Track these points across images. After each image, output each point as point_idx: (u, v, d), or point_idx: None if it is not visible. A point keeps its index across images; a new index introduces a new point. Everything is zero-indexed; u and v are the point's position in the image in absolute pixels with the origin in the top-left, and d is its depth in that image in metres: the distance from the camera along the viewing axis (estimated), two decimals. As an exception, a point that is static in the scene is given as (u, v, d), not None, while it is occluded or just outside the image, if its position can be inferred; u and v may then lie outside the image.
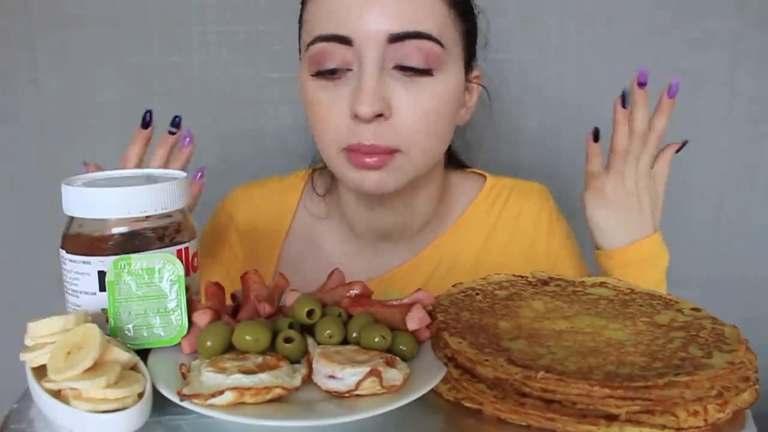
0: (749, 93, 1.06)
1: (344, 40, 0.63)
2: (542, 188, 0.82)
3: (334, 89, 0.65)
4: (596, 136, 0.70)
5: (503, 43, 1.03)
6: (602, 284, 0.56)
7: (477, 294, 0.54)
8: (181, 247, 0.50)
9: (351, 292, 0.52)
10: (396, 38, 0.62)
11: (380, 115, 0.63)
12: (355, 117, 0.63)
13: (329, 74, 0.65)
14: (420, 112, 0.64)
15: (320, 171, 0.83)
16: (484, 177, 0.82)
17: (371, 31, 0.62)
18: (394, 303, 0.50)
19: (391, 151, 0.64)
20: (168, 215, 0.50)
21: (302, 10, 0.69)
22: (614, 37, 1.04)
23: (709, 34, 1.03)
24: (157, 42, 1.02)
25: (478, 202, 0.79)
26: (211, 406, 0.39)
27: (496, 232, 0.78)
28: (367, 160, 0.64)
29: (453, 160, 0.82)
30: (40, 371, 0.41)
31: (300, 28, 0.70)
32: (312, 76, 0.66)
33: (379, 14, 0.62)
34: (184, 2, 1.01)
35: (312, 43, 0.65)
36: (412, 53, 0.63)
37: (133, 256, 0.46)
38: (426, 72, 0.64)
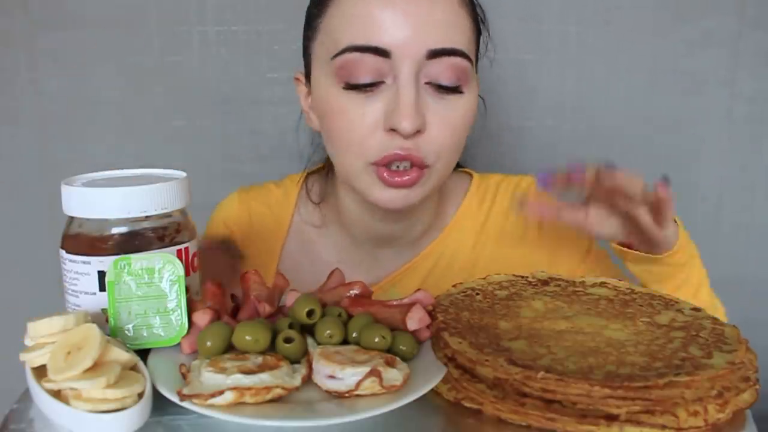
0: (749, 93, 1.06)
1: (382, 52, 0.61)
2: (530, 179, 0.80)
3: (365, 101, 0.63)
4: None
5: (502, 44, 1.03)
6: (602, 284, 0.56)
7: (477, 294, 0.53)
8: (181, 247, 0.50)
9: (351, 292, 0.52)
10: (434, 54, 0.61)
11: (418, 132, 0.62)
12: (392, 131, 0.62)
13: (361, 85, 0.63)
14: (450, 128, 0.64)
15: (314, 176, 0.81)
16: (470, 175, 0.81)
17: (411, 45, 0.61)
18: (394, 303, 0.50)
19: (424, 166, 0.64)
20: (168, 215, 0.50)
21: (317, 15, 0.67)
22: (614, 37, 1.04)
23: (709, 34, 1.03)
24: (157, 42, 1.02)
25: (468, 201, 0.79)
26: (211, 406, 0.39)
27: (487, 228, 0.78)
28: (399, 179, 0.63)
29: None
30: (40, 371, 0.41)
31: (312, 34, 0.68)
32: (341, 84, 0.63)
33: (418, 28, 0.61)
34: (184, 2, 1.01)
35: (341, 53, 0.63)
36: (446, 70, 0.62)
37: (133, 256, 0.46)
38: (456, 89, 0.63)
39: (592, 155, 1.07)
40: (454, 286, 0.55)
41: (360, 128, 0.63)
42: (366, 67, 0.62)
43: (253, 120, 1.06)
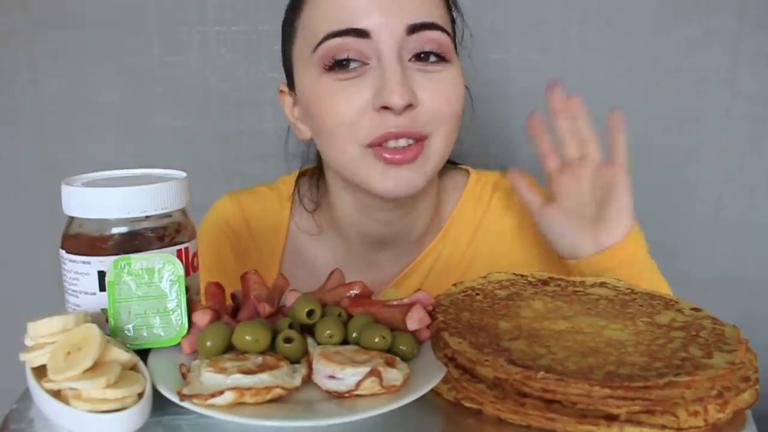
0: (749, 93, 1.06)
1: (362, 33, 0.62)
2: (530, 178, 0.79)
3: (351, 85, 0.63)
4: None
5: (504, 43, 1.03)
6: (602, 284, 0.56)
7: (477, 294, 0.53)
8: (181, 247, 0.50)
9: (351, 292, 0.52)
10: (414, 29, 0.62)
11: (409, 106, 0.62)
12: (383, 109, 0.61)
13: (345, 67, 0.63)
14: (443, 99, 0.64)
15: (305, 179, 0.80)
16: (468, 172, 0.80)
17: (390, 22, 0.62)
18: (394, 303, 0.50)
19: (422, 138, 0.64)
20: (168, 215, 0.50)
21: (293, 17, 0.68)
22: (615, 36, 1.04)
23: (710, 33, 1.03)
24: (157, 42, 1.02)
25: (465, 198, 0.78)
26: (211, 406, 0.39)
27: (485, 226, 0.77)
28: (400, 156, 0.63)
29: None
30: (40, 371, 0.41)
31: (290, 36, 0.68)
32: (326, 71, 0.63)
33: (394, 6, 0.62)
34: (184, 2, 1.01)
35: (322, 41, 0.63)
36: (427, 43, 0.63)
37: (133, 256, 0.46)
38: (442, 60, 0.64)
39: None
40: (454, 285, 0.55)
41: (349, 111, 0.63)
42: (348, 51, 0.63)
43: (253, 120, 1.06)
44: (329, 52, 0.63)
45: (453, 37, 0.69)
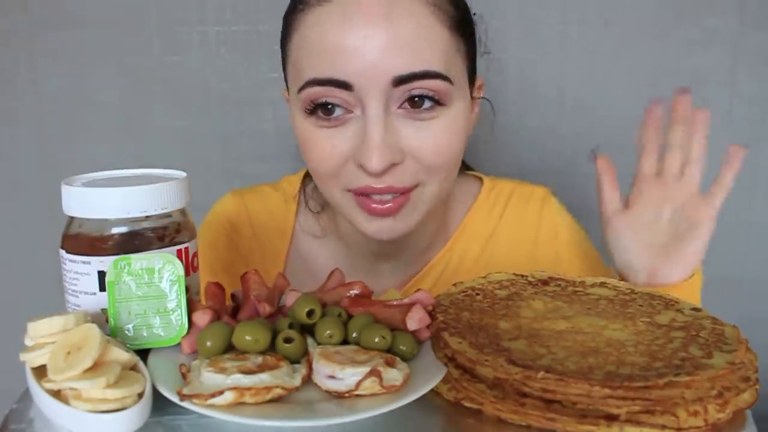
0: (749, 93, 1.06)
1: (343, 85, 0.57)
2: (544, 191, 0.78)
3: (334, 132, 0.60)
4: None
5: (503, 44, 1.03)
6: (602, 284, 0.56)
7: (477, 294, 0.53)
8: (181, 247, 0.50)
9: (351, 292, 0.52)
10: (401, 81, 0.57)
11: (392, 165, 0.58)
12: (361, 168, 0.58)
13: (330, 112, 0.59)
14: (434, 151, 0.59)
15: (312, 182, 0.77)
16: (480, 180, 0.78)
17: (374, 74, 0.56)
18: (394, 303, 0.50)
19: (407, 190, 0.60)
20: (168, 215, 0.49)
21: (285, 41, 0.63)
22: (614, 37, 1.04)
23: (709, 34, 1.03)
24: (157, 42, 1.02)
25: (477, 207, 0.76)
26: (211, 406, 0.39)
27: (497, 238, 0.75)
28: (380, 207, 0.60)
29: None
30: (40, 371, 0.41)
31: (285, 58, 0.64)
32: (308, 115, 0.60)
33: (381, 54, 0.56)
34: (184, 2, 1.01)
35: (304, 86, 0.59)
36: (419, 92, 0.58)
37: (133, 256, 0.46)
38: (438, 104, 0.59)
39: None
40: (454, 285, 0.55)
41: (331, 160, 0.60)
42: (329, 98, 0.59)
43: (253, 120, 1.06)
44: (310, 96, 0.59)
45: (470, 58, 0.64)
